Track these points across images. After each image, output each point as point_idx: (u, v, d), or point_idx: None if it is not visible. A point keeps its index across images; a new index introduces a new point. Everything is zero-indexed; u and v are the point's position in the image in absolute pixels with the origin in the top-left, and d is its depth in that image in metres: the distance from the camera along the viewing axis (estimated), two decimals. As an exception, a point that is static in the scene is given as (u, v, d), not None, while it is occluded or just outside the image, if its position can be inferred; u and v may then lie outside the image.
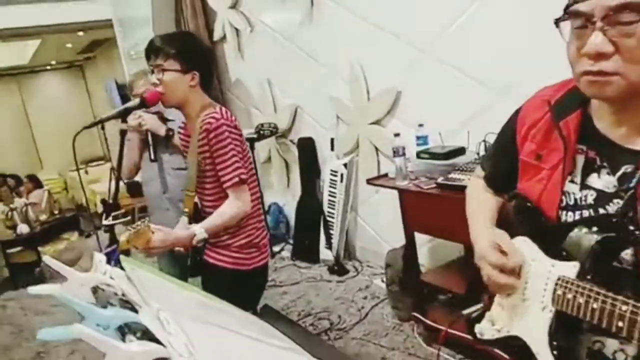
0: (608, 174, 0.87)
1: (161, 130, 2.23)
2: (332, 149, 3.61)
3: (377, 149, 3.24)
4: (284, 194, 4.41)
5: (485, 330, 1.06)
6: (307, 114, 3.89)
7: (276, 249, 4.18)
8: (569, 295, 0.85)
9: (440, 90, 2.73)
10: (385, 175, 2.70)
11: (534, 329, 0.92)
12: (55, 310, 3.70)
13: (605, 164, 0.88)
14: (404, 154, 2.47)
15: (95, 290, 0.74)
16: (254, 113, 4.38)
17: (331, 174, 3.64)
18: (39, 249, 5.39)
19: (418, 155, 2.53)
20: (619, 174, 0.86)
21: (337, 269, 3.58)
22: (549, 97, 0.96)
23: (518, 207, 1.02)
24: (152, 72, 1.71)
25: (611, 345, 0.87)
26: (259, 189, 4.10)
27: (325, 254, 3.75)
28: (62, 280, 0.74)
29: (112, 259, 1.44)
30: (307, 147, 3.91)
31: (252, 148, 3.95)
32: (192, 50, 1.71)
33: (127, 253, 1.43)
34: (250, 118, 4.39)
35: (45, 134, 10.41)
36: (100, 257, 0.83)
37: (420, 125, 2.65)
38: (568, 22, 0.80)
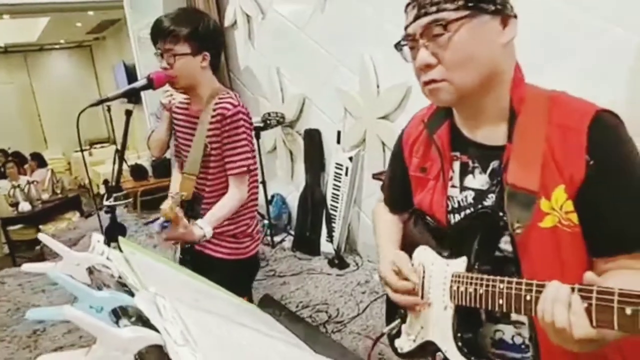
0: (480, 173, 0.96)
1: None
2: (339, 142, 3.58)
3: (384, 144, 3.20)
4: (287, 184, 4.38)
5: (403, 343, 1.09)
6: (315, 105, 3.85)
7: (277, 239, 4.17)
8: (462, 288, 0.90)
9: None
10: (391, 170, 2.68)
11: (441, 329, 0.96)
12: (54, 289, 3.71)
13: (476, 164, 0.97)
14: (411, 150, 2.44)
15: (91, 270, 0.71)
16: (262, 102, 4.35)
17: (336, 167, 3.61)
18: (40, 227, 5.40)
19: (426, 151, 2.50)
20: (488, 170, 0.95)
21: (338, 262, 3.56)
22: (422, 116, 1.09)
23: (415, 220, 1.11)
24: (161, 55, 1.66)
25: (508, 331, 0.95)
26: (263, 178, 4.08)
27: (326, 246, 3.73)
28: (59, 259, 0.71)
29: (159, 230, 1.45)
30: (313, 139, 3.87)
31: (258, 137, 3.92)
32: (202, 30, 1.65)
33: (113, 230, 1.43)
34: (257, 107, 4.35)
35: (51, 113, 10.41)
36: (98, 237, 0.80)
37: (430, 121, 2.61)
38: (407, 47, 0.92)
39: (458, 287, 0.91)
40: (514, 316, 0.94)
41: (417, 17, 0.87)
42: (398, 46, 0.92)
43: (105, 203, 1.56)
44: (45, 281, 3.82)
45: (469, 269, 0.92)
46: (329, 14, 3.44)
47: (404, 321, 1.10)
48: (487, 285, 0.84)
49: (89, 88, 10.63)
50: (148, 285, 0.63)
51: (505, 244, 0.90)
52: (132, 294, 0.62)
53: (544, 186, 0.84)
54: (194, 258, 1.78)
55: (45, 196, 5.86)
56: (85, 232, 5.24)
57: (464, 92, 0.88)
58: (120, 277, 0.70)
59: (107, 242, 0.81)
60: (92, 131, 9.94)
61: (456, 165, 1.00)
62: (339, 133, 3.57)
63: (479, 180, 0.96)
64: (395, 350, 1.12)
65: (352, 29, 3.26)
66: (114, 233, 1.49)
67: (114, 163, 4.94)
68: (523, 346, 0.94)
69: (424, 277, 1.02)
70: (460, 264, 0.94)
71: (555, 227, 0.85)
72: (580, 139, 0.83)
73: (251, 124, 1.73)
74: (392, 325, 1.11)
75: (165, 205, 1.47)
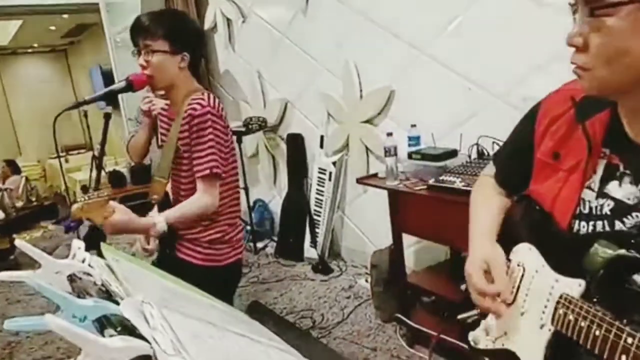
0: (631, 183, 0.79)
1: None
2: (322, 146, 3.56)
3: (367, 149, 3.20)
4: (270, 190, 4.35)
5: (480, 338, 1.01)
6: (297, 109, 3.83)
7: (260, 245, 4.12)
8: (571, 317, 0.78)
9: (434, 91, 2.70)
10: (376, 175, 2.67)
11: (530, 346, 0.86)
12: (30, 299, 3.59)
13: (628, 171, 0.80)
14: (395, 154, 2.44)
15: (72, 278, 0.68)
16: (243, 106, 4.31)
17: (319, 172, 3.59)
18: (14, 236, 5.24)
19: (410, 155, 2.50)
20: None
21: (321, 267, 3.53)
22: (574, 92, 0.87)
23: (526, 211, 0.96)
24: (139, 53, 1.63)
25: None
26: (245, 184, 4.04)
27: (310, 252, 3.70)
28: (37, 267, 0.68)
29: (70, 230, 1.39)
30: (295, 144, 3.85)
31: (240, 142, 3.87)
32: (182, 29, 1.63)
33: (79, 223, 1.36)
34: (239, 111, 4.31)
35: (25, 119, 10.14)
36: (79, 244, 0.77)
37: (413, 125, 2.61)
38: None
39: (565, 314, 0.78)
40: None
41: None
42: (570, 5, 0.75)
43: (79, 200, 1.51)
44: (21, 292, 3.70)
45: (586, 297, 0.77)
46: (311, 18, 3.43)
47: (484, 316, 1.00)
48: (609, 331, 0.70)
49: (64, 93, 10.39)
50: (133, 293, 0.60)
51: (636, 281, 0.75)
52: (116, 302, 0.59)
53: None
54: (170, 264, 1.73)
55: (19, 204, 5.70)
56: (61, 241, 5.11)
57: (611, 88, 0.74)
58: (103, 285, 0.67)
59: (87, 249, 0.78)
60: (68, 137, 9.71)
61: (601, 165, 0.83)
62: (322, 137, 3.55)
63: (625, 190, 0.80)
64: (467, 341, 1.03)
65: (335, 33, 3.25)
66: (93, 240, 1.43)
67: (91, 169, 4.84)
68: None
69: (521, 280, 0.91)
70: (575, 286, 0.79)
71: None
72: None
73: (225, 126, 1.67)
74: (469, 314, 1.01)
75: (75, 206, 1.39)
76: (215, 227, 1.72)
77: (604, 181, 0.82)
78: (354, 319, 2.87)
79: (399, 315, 2.53)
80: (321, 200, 3.61)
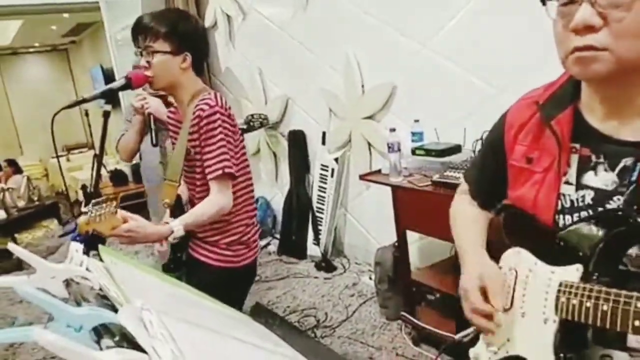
0: (606, 170, 0.83)
1: (164, 115, 2.12)
2: (324, 143, 3.53)
3: (370, 144, 3.17)
4: (271, 187, 4.32)
5: (481, 354, 0.99)
6: (298, 106, 3.80)
7: (262, 243, 4.10)
8: (575, 301, 0.78)
9: (437, 85, 2.66)
10: (379, 171, 2.64)
11: (537, 345, 0.85)
12: (32, 300, 3.57)
13: (601, 159, 0.84)
14: (399, 150, 2.41)
15: (68, 283, 0.65)
16: (244, 103, 4.28)
17: (322, 169, 3.56)
18: (16, 236, 5.23)
19: (413, 151, 2.47)
20: (618, 168, 0.81)
21: (325, 265, 3.51)
22: (536, 98, 0.92)
23: (507, 217, 0.98)
24: (141, 54, 1.60)
25: (620, 358, 0.81)
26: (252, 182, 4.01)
27: (313, 249, 3.67)
28: (31, 271, 0.65)
29: (71, 240, 1.34)
30: (297, 140, 3.82)
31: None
32: (184, 29, 1.59)
33: (87, 237, 1.32)
34: (240, 108, 4.28)
35: (26, 118, 10.14)
36: (76, 246, 0.74)
37: (416, 121, 2.58)
38: (554, 1, 0.77)
39: (568, 299, 0.79)
40: (632, 341, 0.79)
41: None
42: None
43: (84, 209, 1.48)
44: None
45: (585, 279, 0.79)
46: (312, 14, 3.40)
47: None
48: (617, 302, 0.71)
49: (66, 92, 10.38)
50: (132, 298, 0.58)
51: (633, 252, 0.79)
52: (114, 308, 0.57)
53: None
54: (186, 264, 1.71)
55: (21, 204, 5.68)
56: (63, 241, 5.09)
57: (626, 68, 0.73)
58: (101, 290, 0.64)
59: (86, 252, 0.75)
60: (70, 136, 9.72)
61: (574, 159, 0.87)
62: (324, 134, 3.52)
63: (602, 178, 0.83)
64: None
65: (336, 28, 3.22)
66: (93, 241, 1.41)
67: (92, 169, 4.81)
68: None
69: (515, 284, 0.92)
70: (572, 272, 0.81)
71: None
72: None
73: (234, 125, 1.65)
74: (466, 332, 1.00)
75: (82, 219, 1.35)
76: (232, 229, 1.69)
77: (580, 173, 0.86)
78: (358, 318, 2.84)
79: (404, 314, 2.50)
80: (324, 197, 3.58)
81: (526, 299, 0.89)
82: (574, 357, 0.82)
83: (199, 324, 0.61)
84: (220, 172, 1.56)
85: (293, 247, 3.83)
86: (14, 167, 6.77)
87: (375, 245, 3.08)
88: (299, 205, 3.81)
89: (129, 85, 1.54)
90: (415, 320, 2.44)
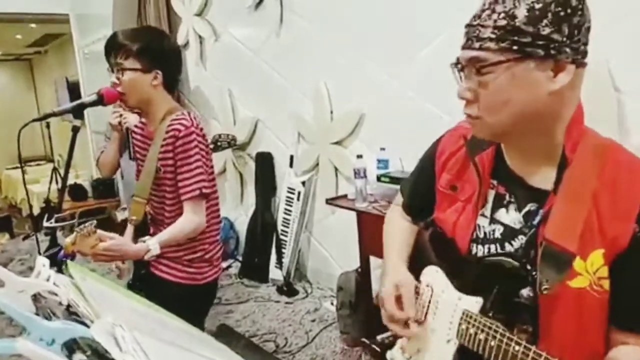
0: (515, 210, 0.90)
1: None
2: (291, 165, 3.56)
3: (336, 170, 3.22)
4: (236, 208, 4.30)
5: (396, 357, 1.07)
6: (267, 128, 3.83)
7: (224, 265, 4.04)
8: (472, 330, 0.87)
9: (404, 116, 2.75)
10: (345, 196, 2.68)
11: None
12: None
13: (513, 199, 0.91)
14: (364, 176, 2.47)
15: (36, 298, 0.64)
16: (213, 123, 4.27)
17: (288, 192, 3.58)
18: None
19: (379, 178, 2.53)
20: (524, 211, 0.89)
21: (287, 289, 3.49)
22: (465, 132, 1.00)
23: (433, 236, 1.05)
24: (112, 70, 1.61)
25: None
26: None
27: (275, 273, 3.66)
28: (-2, 284, 0.64)
29: (57, 260, 1.34)
30: (265, 162, 3.84)
31: (208, 159, 3.82)
32: (155, 47, 1.61)
33: (72, 257, 1.33)
34: (208, 128, 4.27)
35: (-19, 128, 9.74)
36: (43, 261, 0.73)
37: (382, 149, 2.65)
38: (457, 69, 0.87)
39: (467, 328, 0.88)
40: None
41: (464, 47, 0.84)
42: (452, 66, 0.86)
43: (46, 224, 1.45)
44: None
45: (483, 311, 0.88)
46: (284, 40, 3.46)
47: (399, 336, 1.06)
48: (501, 341, 0.81)
49: (26, 103, 10.06)
50: (102, 314, 0.58)
51: (525, 292, 0.85)
52: (84, 324, 0.57)
53: (583, 247, 0.79)
54: (146, 282, 1.68)
55: (-29, 216, 5.42)
56: (14, 256, 4.87)
57: (499, 132, 0.85)
58: (69, 306, 0.64)
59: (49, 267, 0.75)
60: (27, 148, 9.36)
61: (491, 194, 0.94)
62: (291, 157, 3.55)
63: (511, 216, 0.90)
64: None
65: (307, 55, 3.29)
66: (57, 257, 1.38)
67: (50, 182, 4.67)
68: None
69: (429, 301, 0.98)
70: (473, 303, 0.89)
71: (584, 290, 0.79)
72: (631, 207, 0.78)
73: (207, 145, 1.67)
74: (386, 335, 1.06)
75: (68, 240, 1.37)
76: (196, 245, 1.69)
77: (495, 209, 0.93)
78: (318, 343, 2.84)
79: (365, 340, 2.52)
80: (289, 220, 3.59)
81: (436, 317, 0.97)
82: None
83: (169, 341, 0.62)
84: (197, 192, 1.58)
85: (255, 270, 3.80)
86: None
87: (338, 270, 3.10)
88: (264, 228, 3.79)
89: (100, 101, 1.54)
90: (375, 347, 2.45)
